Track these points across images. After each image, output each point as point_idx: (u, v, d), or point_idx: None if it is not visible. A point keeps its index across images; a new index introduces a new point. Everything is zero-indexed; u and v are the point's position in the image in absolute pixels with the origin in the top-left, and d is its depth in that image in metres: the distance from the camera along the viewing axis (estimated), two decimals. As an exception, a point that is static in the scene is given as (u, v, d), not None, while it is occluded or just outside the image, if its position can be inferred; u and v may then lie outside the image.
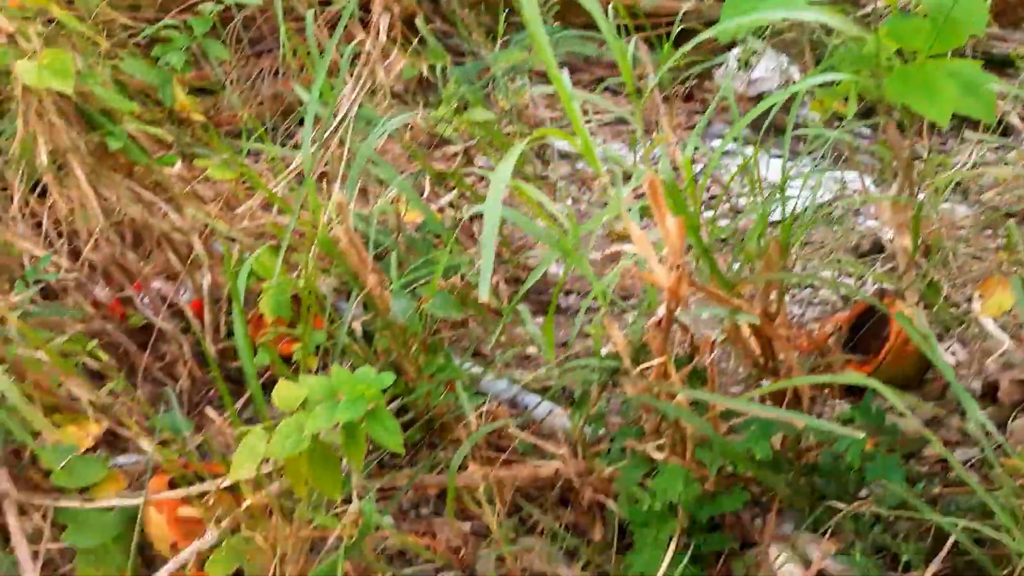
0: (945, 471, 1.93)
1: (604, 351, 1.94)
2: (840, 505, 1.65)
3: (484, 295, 1.06)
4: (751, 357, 1.90)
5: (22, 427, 1.83)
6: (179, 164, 2.65)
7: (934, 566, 1.63)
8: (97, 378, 2.36)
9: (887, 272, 2.66)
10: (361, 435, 1.53)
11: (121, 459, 2.18)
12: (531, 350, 2.60)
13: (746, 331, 1.86)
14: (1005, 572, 1.51)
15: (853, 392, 2.18)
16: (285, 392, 1.59)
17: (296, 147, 3.09)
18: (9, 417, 1.84)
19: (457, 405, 2.17)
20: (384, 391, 1.55)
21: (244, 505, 1.78)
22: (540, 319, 2.80)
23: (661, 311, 1.55)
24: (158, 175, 2.55)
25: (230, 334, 2.43)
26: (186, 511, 1.95)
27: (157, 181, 2.59)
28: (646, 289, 1.94)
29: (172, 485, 2.01)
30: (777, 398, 1.84)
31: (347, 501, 1.96)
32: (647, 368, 1.62)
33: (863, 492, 1.79)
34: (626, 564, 1.76)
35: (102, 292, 2.46)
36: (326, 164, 2.68)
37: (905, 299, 2.14)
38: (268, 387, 1.90)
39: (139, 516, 1.96)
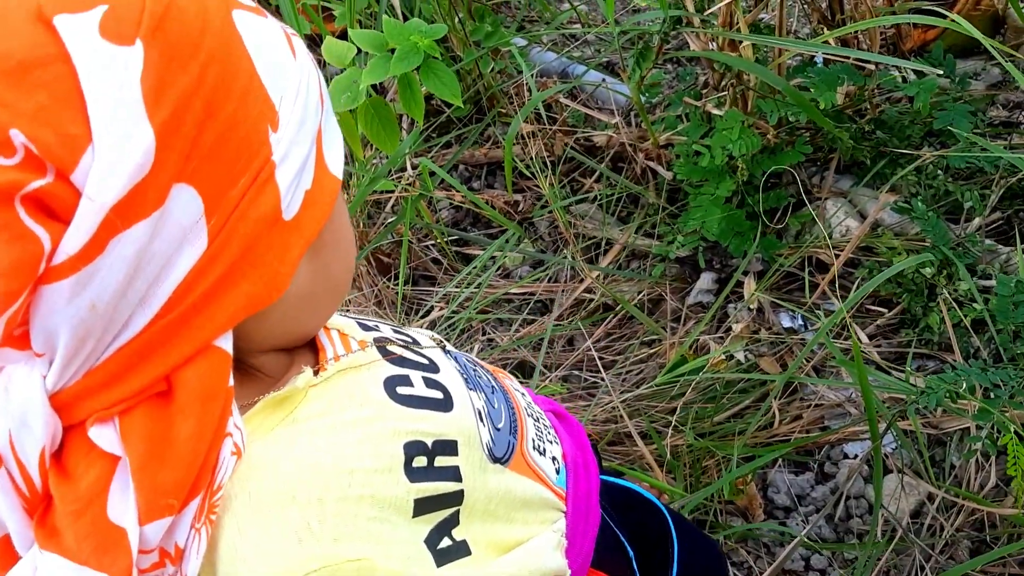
0: (1012, 129, 1.88)
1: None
2: (905, 151, 1.62)
3: None
4: (817, 11, 1.80)
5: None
6: None
7: (993, 211, 1.64)
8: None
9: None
10: (418, 88, 1.49)
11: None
12: (578, 26, 2.49)
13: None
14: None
15: (920, 58, 2.09)
16: (334, 47, 1.54)
17: None
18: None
19: (505, 78, 2.12)
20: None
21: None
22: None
23: (730, -53, 1.44)
24: None
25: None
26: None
27: None
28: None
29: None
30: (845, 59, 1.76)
31: (401, 171, 1.97)
32: (712, 15, 1.54)
33: (923, 150, 1.76)
34: (681, 222, 1.78)
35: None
36: None
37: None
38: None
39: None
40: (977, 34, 1.35)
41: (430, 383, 0.64)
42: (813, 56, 1.74)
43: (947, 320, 1.51)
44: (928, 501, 1.45)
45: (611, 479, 0.93)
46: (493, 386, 0.74)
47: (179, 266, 0.45)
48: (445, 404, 0.63)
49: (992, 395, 1.33)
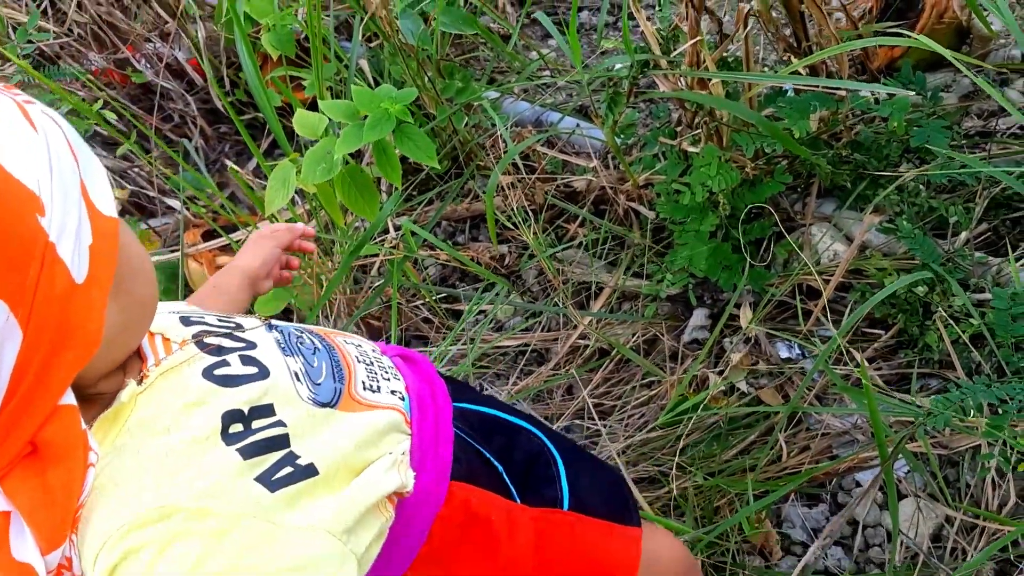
0: (988, 139, 1.88)
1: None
2: (885, 172, 1.61)
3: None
4: (783, 40, 1.80)
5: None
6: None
7: (978, 224, 1.63)
8: (110, 146, 2.31)
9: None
10: (393, 152, 1.48)
11: (152, 221, 2.17)
12: (548, 73, 2.50)
13: (776, 14, 1.76)
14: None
15: (888, 75, 2.10)
16: (305, 119, 1.53)
17: None
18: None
19: (480, 131, 2.12)
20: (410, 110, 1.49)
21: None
22: (552, 42, 2.68)
23: (691, -13, 1.45)
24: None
25: (234, 86, 2.34)
26: (225, 259, 1.96)
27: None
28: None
29: (207, 238, 2.02)
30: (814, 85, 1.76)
31: (384, 233, 1.96)
32: (679, 56, 1.54)
33: (903, 168, 1.76)
34: (668, 260, 1.76)
35: (98, 59, 2.35)
36: None
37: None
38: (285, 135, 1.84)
39: (179, 270, 1.97)
40: (943, 51, 1.35)
41: (246, 360, 0.74)
42: (783, 85, 1.74)
43: (945, 338, 1.49)
44: (947, 524, 1.43)
45: (471, 406, 1.01)
46: (316, 347, 0.84)
47: (6, 361, 0.52)
48: (261, 375, 0.73)
49: (1000, 410, 1.32)
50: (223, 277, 1.11)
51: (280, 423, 0.70)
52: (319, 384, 0.78)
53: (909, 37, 1.45)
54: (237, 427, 0.67)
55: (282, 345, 0.79)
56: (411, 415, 0.86)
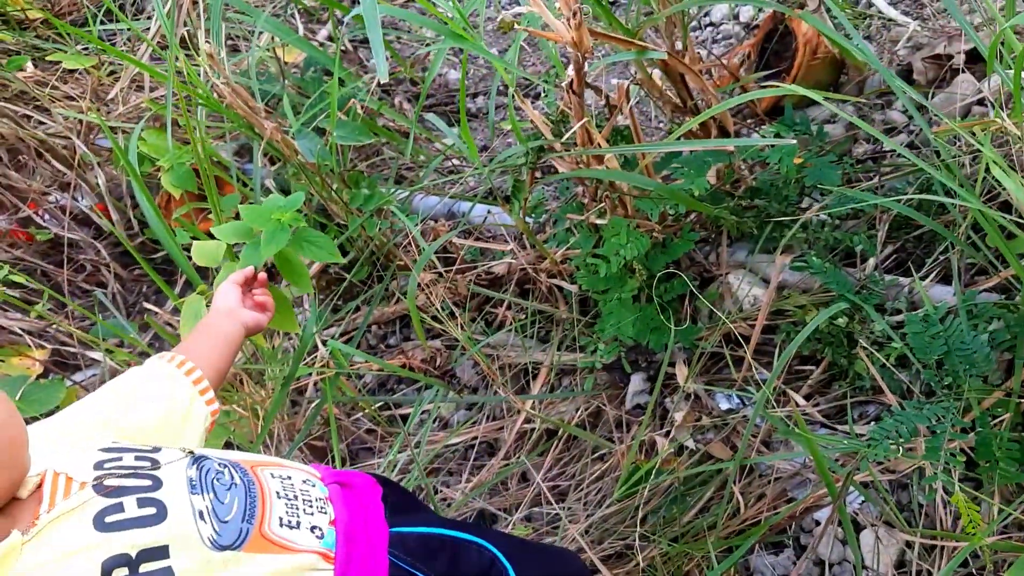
0: (878, 162, 1.95)
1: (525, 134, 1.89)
2: (787, 217, 1.66)
3: (383, 75, 1.00)
4: (669, 102, 1.86)
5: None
6: (31, 68, 2.45)
7: (884, 244, 1.68)
8: (27, 307, 2.26)
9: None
10: (297, 260, 1.49)
11: (77, 376, 2.13)
12: (455, 162, 2.53)
13: (658, 76, 1.82)
14: (957, 233, 1.55)
15: (775, 116, 2.17)
16: (204, 250, 1.53)
17: (150, 18, 2.86)
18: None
19: (395, 232, 2.13)
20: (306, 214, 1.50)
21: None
22: (455, 130, 2.72)
23: (570, 71, 1.49)
24: (16, 83, 2.35)
25: (143, 226, 2.32)
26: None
27: (17, 91, 2.40)
28: (551, 61, 1.86)
29: (135, 385, 1.97)
30: (705, 138, 1.82)
31: (313, 352, 1.94)
32: (570, 137, 1.58)
33: (805, 203, 1.82)
34: (597, 330, 1.78)
35: (0, 220, 2.32)
36: (186, 24, 2.48)
37: (806, 5, 2.10)
38: (198, 270, 1.83)
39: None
40: (814, 95, 1.41)
41: (144, 502, 0.76)
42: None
43: (870, 366, 1.53)
44: (908, 548, 1.44)
45: (411, 529, 1.01)
46: (235, 482, 0.85)
47: None
48: (157, 517, 0.75)
49: (936, 431, 1.34)
50: (203, 325, 1.16)
51: (168, 570, 0.73)
52: (225, 523, 0.81)
53: (779, 87, 1.51)
54: (122, 571, 0.70)
55: (193, 483, 0.82)
56: (336, 549, 0.88)
